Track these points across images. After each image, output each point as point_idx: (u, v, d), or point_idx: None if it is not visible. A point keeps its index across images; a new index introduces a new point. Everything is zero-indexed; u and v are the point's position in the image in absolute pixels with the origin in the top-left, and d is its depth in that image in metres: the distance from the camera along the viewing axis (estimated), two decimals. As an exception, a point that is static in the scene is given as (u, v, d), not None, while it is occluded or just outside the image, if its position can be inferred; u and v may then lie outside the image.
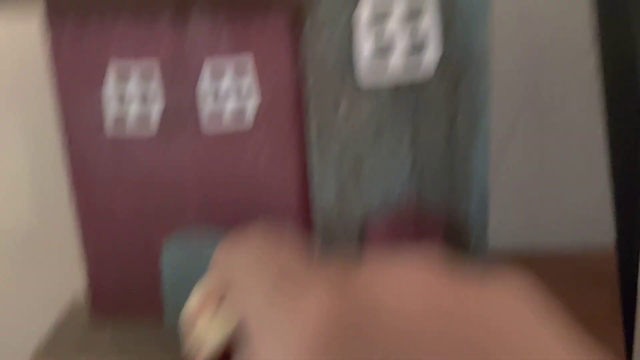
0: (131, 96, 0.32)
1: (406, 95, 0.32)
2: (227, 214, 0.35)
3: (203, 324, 0.24)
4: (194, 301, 0.25)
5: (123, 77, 0.32)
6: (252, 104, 0.33)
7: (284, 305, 0.19)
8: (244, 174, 0.34)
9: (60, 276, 0.47)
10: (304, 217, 0.35)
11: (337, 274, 0.20)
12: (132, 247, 0.36)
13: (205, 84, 0.32)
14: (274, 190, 0.34)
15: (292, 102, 0.33)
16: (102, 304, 0.37)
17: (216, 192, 0.34)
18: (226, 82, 0.32)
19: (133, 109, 0.33)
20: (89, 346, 0.35)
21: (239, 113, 0.33)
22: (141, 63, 0.32)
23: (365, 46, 0.31)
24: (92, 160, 0.34)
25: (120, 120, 0.33)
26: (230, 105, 0.33)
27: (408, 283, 0.19)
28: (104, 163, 0.34)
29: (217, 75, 0.32)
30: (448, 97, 0.32)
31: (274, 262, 0.21)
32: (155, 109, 0.33)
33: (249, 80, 0.32)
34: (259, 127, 0.33)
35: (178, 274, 0.36)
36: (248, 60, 0.32)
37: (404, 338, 0.17)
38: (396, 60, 0.31)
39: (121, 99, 0.33)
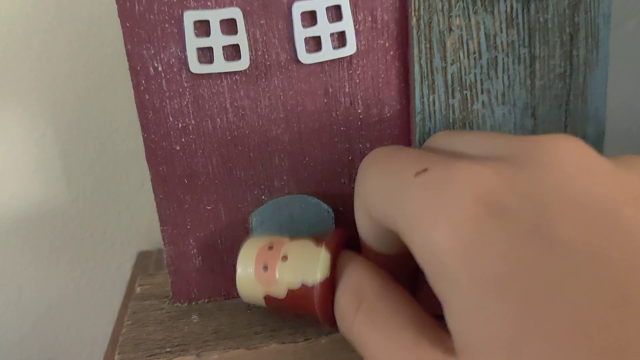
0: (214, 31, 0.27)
1: (526, 9, 0.29)
2: (320, 172, 0.31)
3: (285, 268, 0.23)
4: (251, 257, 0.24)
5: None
6: (350, 27, 0.28)
7: (435, 182, 0.17)
8: (341, 117, 0.30)
9: (110, 259, 0.44)
10: None
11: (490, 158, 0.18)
12: (216, 219, 0.31)
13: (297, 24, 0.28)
14: (372, 137, 0.31)
15: (396, 24, 0.29)
16: (185, 289, 0.32)
17: (311, 141, 0.30)
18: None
19: (217, 41, 0.28)
20: (184, 339, 0.30)
21: (338, 38, 0.29)
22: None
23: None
24: (169, 112, 0.29)
25: (205, 54, 0.28)
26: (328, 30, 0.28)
27: (578, 160, 0.17)
28: (184, 112, 0.29)
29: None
30: (569, 12, 0.29)
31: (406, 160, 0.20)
32: (243, 42, 0.28)
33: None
34: (358, 54, 0.29)
35: None
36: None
37: (609, 221, 0.15)
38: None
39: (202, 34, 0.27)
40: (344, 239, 0.23)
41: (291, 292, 0.23)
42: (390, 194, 0.19)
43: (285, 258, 0.23)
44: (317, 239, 0.24)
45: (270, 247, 0.24)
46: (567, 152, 0.17)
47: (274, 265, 0.24)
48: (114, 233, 0.44)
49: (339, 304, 0.22)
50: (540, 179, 0.16)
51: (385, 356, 0.18)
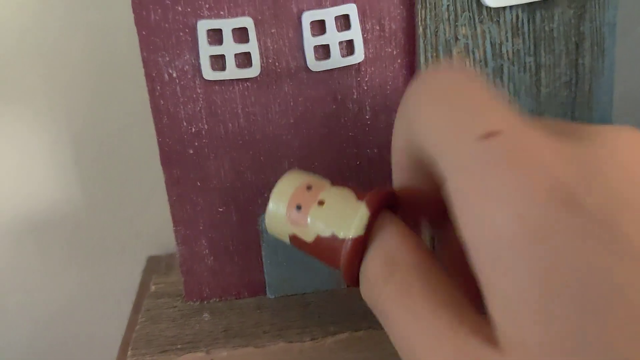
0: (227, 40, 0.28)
1: (531, 18, 0.30)
2: (328, 176, 0.31)
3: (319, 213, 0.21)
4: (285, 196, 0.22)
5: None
6: (358, 36, 0.29)
7: (499, 154, 0.15)
8: (350, 123, 0.31)
9: (120, 263, 0.45)
10: None
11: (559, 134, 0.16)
12: (227, 220, 0.32)
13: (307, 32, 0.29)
14: (380, 142, 0.31)
15: (403, 33, 0.30)
16: (197, 288, 0.33)
17: (320, 146, 0.31)
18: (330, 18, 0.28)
19: (229, 50, 0.29)
20: (195, 337, 0.31)
21: (347, 46, 0.29)
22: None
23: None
24: (183, 117, 0.30)
25: (217, 62, 0.29)
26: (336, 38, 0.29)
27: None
28: (197, 117, 0.30)
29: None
30: (575, 21, 0.30)
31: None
32: (255, 50, 0.29)
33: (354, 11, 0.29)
34: (366, 61, 0.30)
35: (280, 246, 0.32)
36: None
37: None
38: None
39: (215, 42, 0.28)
40: (388, 199, 0.21)
41: (319, 239, 0.21)
42: (447, 143, 0.16)
43: (321, 203, 0.21)
44: (360, 192, 0.22)
45: (309, 188, 0.22)
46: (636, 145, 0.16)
47: (308, 208, 0.22)
48: (125, 238, 0.45)
49: (367, 268, 0.19)
50: (612, 174, 0.15)
51: (416, 340, 0.16)
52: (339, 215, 0.21)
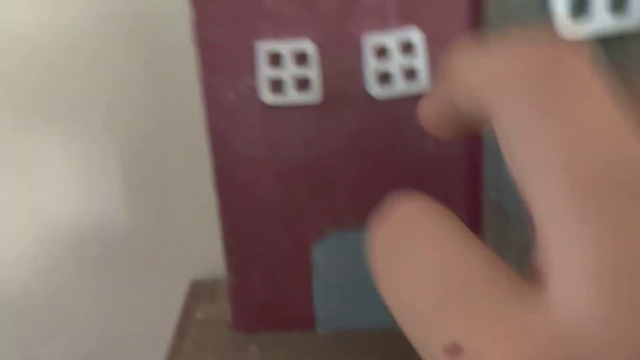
0: (286, 63, 0.28)
1: (610, 49, 0.28)
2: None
3: None
4: None
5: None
6: (422, 61, 0.28)
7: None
8: (410, 154, 0.29)
9: (161, 285, 0.44)
10: (472, 205, 0.30)
11: None
12: (280, 249, 0.31)
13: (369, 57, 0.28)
14: (440, 173, 0.30)
15: None
16: (246, 318, 0.32)
17: (378, 176, 0.30)
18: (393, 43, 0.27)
19: (290, 73, 0.28)
20: None
21: (410, 72, 0.28)
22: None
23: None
24: (239, 141, 0.29)
25: (276, 85, 0.28)
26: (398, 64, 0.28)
27: None
28: (253, 141, 0.29)
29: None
30: None
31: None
32: (315, 74, 0.28)
33: (418, 37, 0.27)
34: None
35: (332, 279, 0.31)
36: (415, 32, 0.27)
37: None
38: (600, 5, 0.26)
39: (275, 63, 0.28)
40: None
41: None
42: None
43: None
44: None
45: None
46: None
47: None
48: (168, 260, 0.44)
49: None
50: None
51: None
52: None
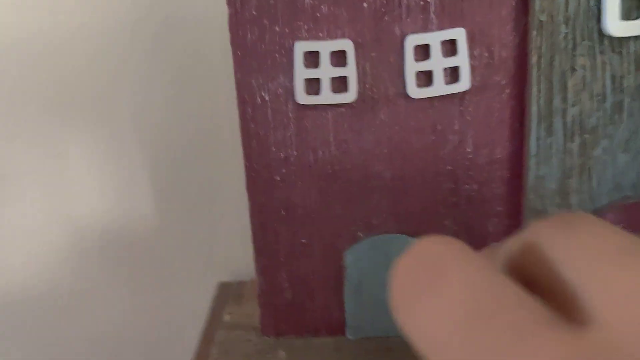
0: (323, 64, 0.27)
1: None
2: (422, 212, 0.29)
3: None
4: None
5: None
6: (465, 62, 0.27)
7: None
8: (448, 156, 0.29)
9: (188, 287, 0.44)
10: (512, 212, 0.29)
11: None
12: (310, 253, 0.30)
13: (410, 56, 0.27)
14: (480, 178, 0.29)
15: (514, 61, 0.27)
16: (274, 323, 0.32)
17: (414, 179, 0.29)
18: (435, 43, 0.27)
19: (327, 74, 0.27)
20: None
21: (451, 73, 0.27)
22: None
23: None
24: (272, 142, 0.29)
25: (312, 85, 0.28)
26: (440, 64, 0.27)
27: None
28: (287, 143, 0.29)
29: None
30: None
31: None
32: (352, 74, 0.27)
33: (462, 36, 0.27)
34: (472, 90, 0.28)
35: (364, 284, 0.31)
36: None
37: None
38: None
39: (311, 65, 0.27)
40: None
41: None
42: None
43: None
44: None
45: None
46: None
47: None
48: (195, 262, 0.44)
49: None
50: None
51: None
52: None
